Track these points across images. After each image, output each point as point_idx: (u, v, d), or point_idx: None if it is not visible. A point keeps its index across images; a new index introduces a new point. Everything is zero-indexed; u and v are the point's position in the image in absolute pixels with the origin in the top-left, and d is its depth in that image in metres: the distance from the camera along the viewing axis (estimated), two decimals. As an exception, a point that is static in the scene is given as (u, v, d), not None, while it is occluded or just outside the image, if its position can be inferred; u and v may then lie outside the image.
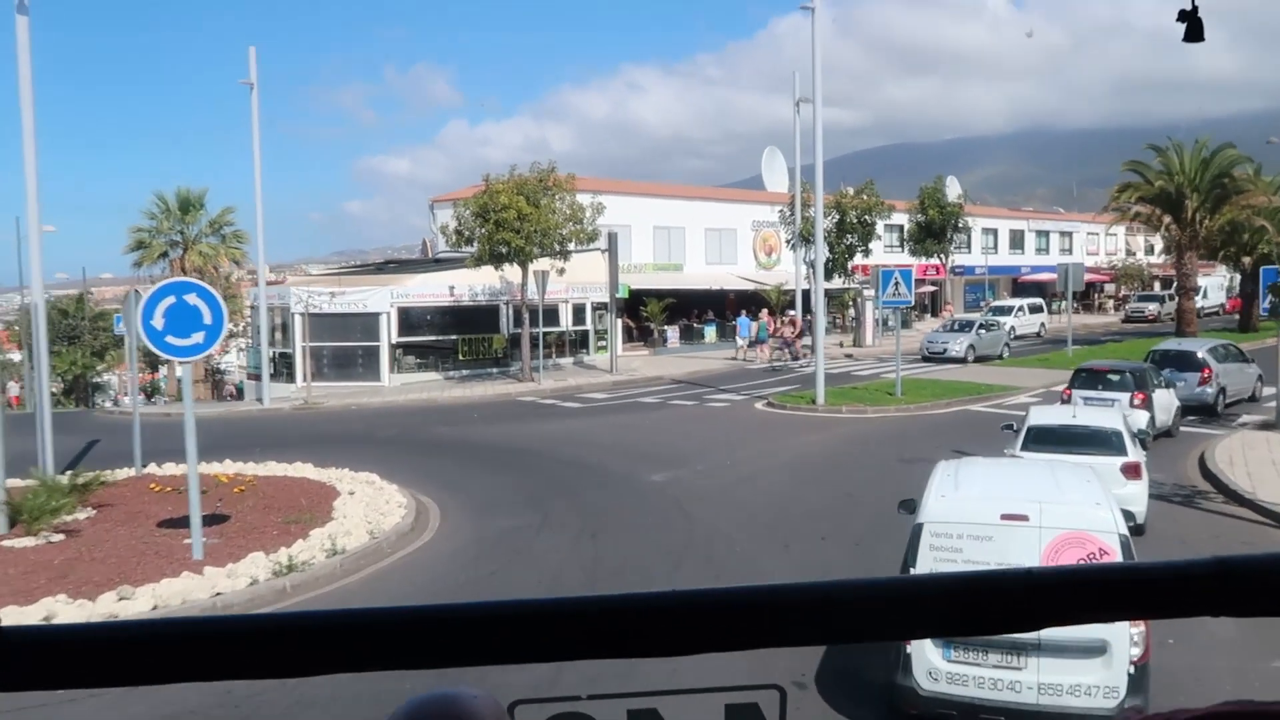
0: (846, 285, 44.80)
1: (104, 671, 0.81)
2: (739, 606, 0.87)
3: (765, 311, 41.64)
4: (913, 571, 7.14)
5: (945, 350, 36.34)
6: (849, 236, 40.84)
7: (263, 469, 17.77)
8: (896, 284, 26.22)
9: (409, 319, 35.01)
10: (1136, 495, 12.84)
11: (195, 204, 42.06)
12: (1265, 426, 21.51)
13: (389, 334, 34.21)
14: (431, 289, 35.60)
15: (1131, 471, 13.19)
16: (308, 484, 16.36)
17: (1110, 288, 70.77)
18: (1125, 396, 19.31)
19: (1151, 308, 58.80)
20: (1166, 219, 42.16)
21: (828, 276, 36.40)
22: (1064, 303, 48.28)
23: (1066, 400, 20.01)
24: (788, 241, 42.97)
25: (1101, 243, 75.01)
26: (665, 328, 43.43)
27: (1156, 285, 70.23)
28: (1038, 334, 49.65)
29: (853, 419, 24.28)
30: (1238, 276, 64.44)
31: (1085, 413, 15.44)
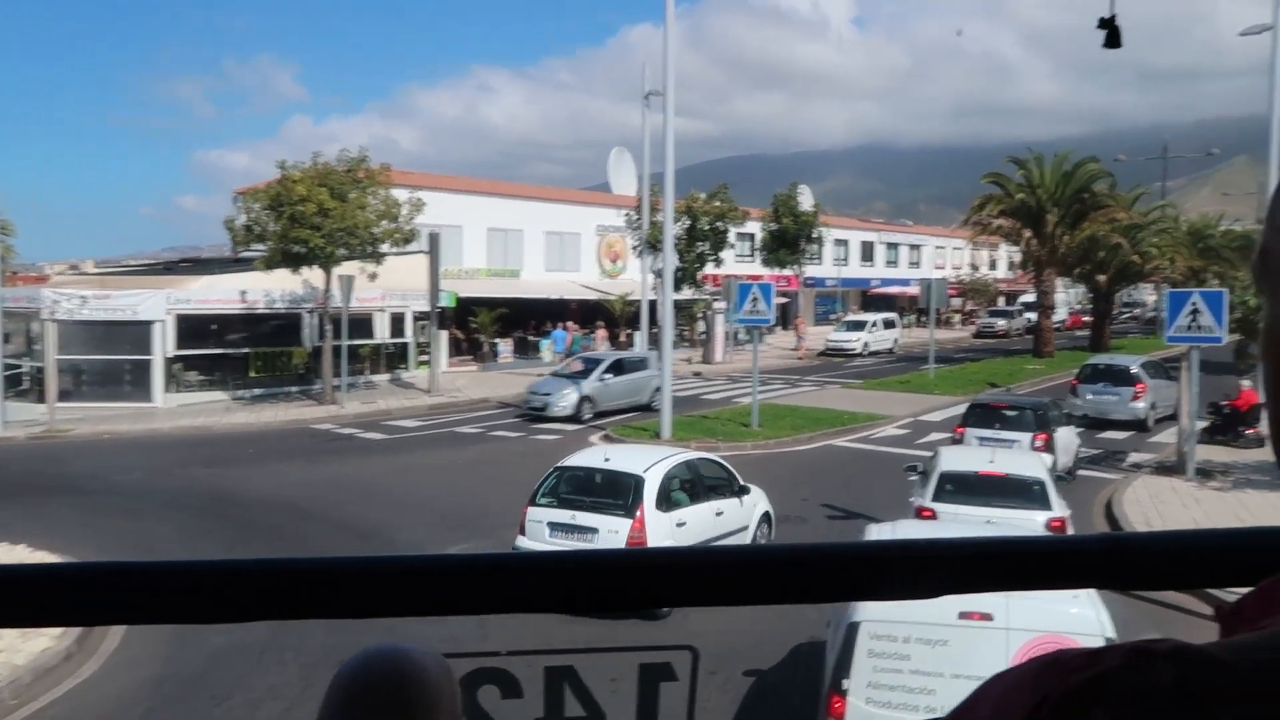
0: (696, 296, 41.61)
1: (38, 611, 0.86)
2: (660, 567, 0.93)
3: (570, 324, 38.16)
4: (846, 685, 6.19)
5: (546, 406, 25.49)
6: (700, 244, 37.64)
7: (-98, 544, 12.82)
8: (755, 299, 22.82)
9: (191, 328, 29.72)
10: None
11: (-57, 189, 35.74)
12: (1164, 469, 18.99)
13: (164, 346, 28.90)
14: (219, 293, 30.43)
15: (1057, 529, 11.15)
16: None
17: (957, 302, 70.23)
18: (1026, 437, 16.66)
19: (1001, 323, 58.29)
20: (1027, 233, 40.58)
21: (677, 287, 33.03)
22: (919, 318, 46.49)
23: (959, 439, 17.19)
24: (634, 248, 39.43)
25: (948, 257, 74.65)
26: (497, 340, 39.21)
27: (1001, 300, 70.07)
28: (890, 350, 47.68)
29: (704, 457, 20.73)
30: (1078, 291, 65.10)
31: (1004, 457, 12.94)
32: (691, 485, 12.43)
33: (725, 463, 13.70)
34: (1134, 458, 20.88)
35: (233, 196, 41.41)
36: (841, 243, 63.27)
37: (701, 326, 44.19)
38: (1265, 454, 20.30)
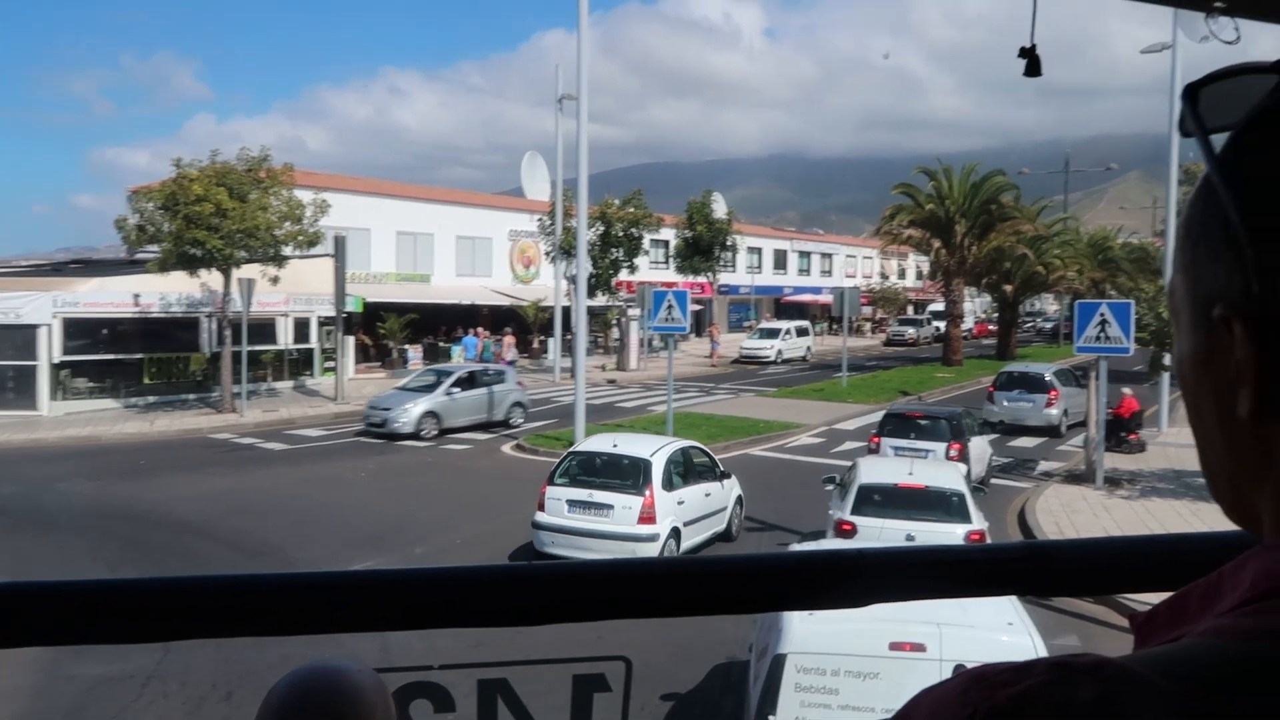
0: (611, 303, 41.24)
1: None
2: (591, 579, 0.93)
3: (480, 330, 37.61)
4: None
5: (385, 422, 23.73)
6: (614, 250, 37.29)
7: None
8: (670, 307, 22.46)
9: (80, 332, 28.31)
10: None
11: None
12: (1074, 478, 19.18)
13: (49, 351, 27.45)
14: (110, 296, 29.01)
15: (976, 542, 10.59)
16: None
17: (867, 310, 71.08)
18: (940, 447, 16.68)
19: (911, 331, 59.12)
20: (936, 243, 41.19)
21: (591, 293, 32.60)
22: (831, 325, 46.85)
23: (875, 449, 17.14)
24: (547, 254, 38.91)
25: (859, 265, 75.59)
26: (406, 347, 38.27)
27: (910, 309, 71.12)
28: (804, 358, 47.91)
29: (618, 468, 20.32)
30: (984, 300, 66.49)
31: (922, 469, 12.87)
32: (686, 469, 14.18)
33: (709, 451, 15.56)
34: (1044, 466, 21.11)
35: (126, 195, 39.78)
36: (755, 250, 63.62)
37: (616, 333, 43.84)
38: (1168, 462, 20.72)
